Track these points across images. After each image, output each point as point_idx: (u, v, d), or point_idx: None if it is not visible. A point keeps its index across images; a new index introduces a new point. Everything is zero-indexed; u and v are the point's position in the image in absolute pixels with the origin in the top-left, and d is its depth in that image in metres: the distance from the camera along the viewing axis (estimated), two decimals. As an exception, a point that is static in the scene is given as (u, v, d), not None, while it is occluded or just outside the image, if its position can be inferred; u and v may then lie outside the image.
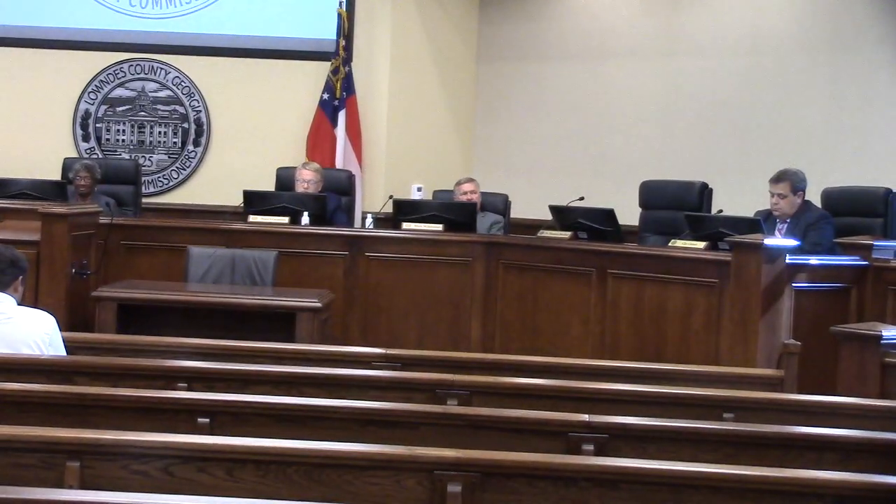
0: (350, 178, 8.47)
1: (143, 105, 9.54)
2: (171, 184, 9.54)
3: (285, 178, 8.15)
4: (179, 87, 9.52)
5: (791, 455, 3.51)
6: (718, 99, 8.81)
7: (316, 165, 8.09)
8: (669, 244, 6.46)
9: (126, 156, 9.44)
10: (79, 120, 9.52)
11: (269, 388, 4.13)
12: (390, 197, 7.76)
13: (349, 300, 7.12)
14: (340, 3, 9.32)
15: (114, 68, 9.52)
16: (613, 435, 3.51)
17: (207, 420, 3.57)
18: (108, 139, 9.54)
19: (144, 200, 8.83)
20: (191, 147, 9.54)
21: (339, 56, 9.22)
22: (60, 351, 4.49)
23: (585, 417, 3.57)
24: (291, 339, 5.77)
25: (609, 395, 4.13)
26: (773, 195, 6.55)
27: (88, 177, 7.86)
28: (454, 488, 3.00)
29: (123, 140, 9.56)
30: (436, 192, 8.63)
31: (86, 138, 9.52)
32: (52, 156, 8.79)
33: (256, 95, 9.46)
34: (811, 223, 6.39)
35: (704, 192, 7.44)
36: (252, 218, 7.33)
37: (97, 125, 9.53)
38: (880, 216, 6.78)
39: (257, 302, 6.08)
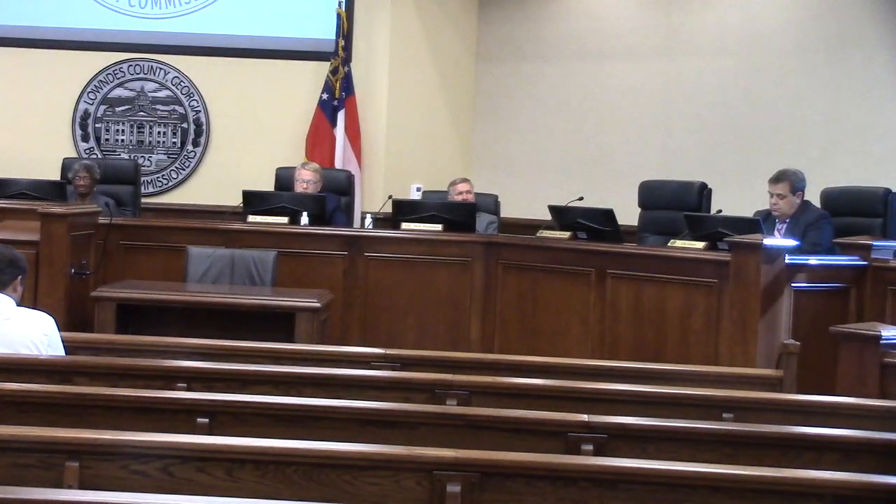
0: (349, 178, 8.46)
1: (143, 105, 9.54)
2: (171, 184, 9.54)
3: (284, 179, 8.14)
4: (179, 87, 9.52)
5: (790, 455, 3.51)
6: (718, 99, 8.81)
7: (315, 165, 8.08)
8: (669, 244, 6.46)
9: (125, 156, 9.44)
10: (78, 120, 9.52)
11: (269, 388, 4.13)
12: (389, 197, 7.76)
13: (348, 300, 7.11)
14: (339, 4, 9.31)
15: (113, 68, 9.52)
16: (612, 435, 3.51)
17: (207, 420, 3.57)
18: (107, 139, 9.54)
19: (144, 200, 8.83)
20: (190, 147, 9.54)
21: (338, 56, 9.22)
22: (59, 352, 4.48)
23: (584, 417, 3.56)
24: (291, 340, 5.77)
25: (608, 395, 4.13)
26: (772, 195, 6.55)
27: (88, 177, 7.86)
28: (453, 488, 3.00)
29: (123, 140, 9.55)
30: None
31: (85, 138, 9.52)
32: (51, 156, 8.79)
33: (256, 95, 9.46)
34: (810, 223, 6.40)
35: (704, 192, 7.44)
36: (251, 218, 7.32)
37: (96, 125, 9.53)
38: (880, 216, 6.78)
39: (256, 302, 6.08)
